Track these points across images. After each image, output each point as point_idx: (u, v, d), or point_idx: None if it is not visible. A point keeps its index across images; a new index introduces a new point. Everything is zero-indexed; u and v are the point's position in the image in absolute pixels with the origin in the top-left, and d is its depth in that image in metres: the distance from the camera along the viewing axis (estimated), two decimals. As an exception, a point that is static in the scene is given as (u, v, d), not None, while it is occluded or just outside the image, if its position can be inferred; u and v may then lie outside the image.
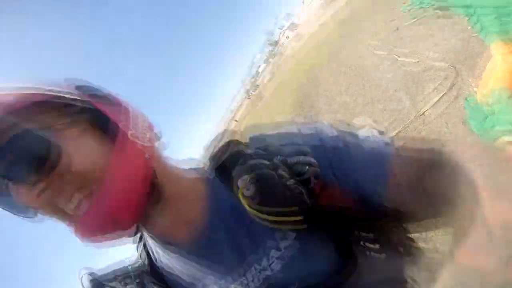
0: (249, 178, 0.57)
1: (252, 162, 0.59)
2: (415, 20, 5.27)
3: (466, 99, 2.60)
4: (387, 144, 0.59)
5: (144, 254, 0.66)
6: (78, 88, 0.54)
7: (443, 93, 3.09)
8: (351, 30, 8.53)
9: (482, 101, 2.24)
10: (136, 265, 0.66)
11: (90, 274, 0.62)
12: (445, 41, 4.01)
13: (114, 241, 0.56)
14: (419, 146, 0.61)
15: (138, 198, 0.53)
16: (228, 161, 0.62)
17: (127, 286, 0.63)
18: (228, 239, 0.60)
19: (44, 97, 0.51)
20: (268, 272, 0.59)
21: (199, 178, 0.64)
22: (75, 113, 0.52)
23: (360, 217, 0.59)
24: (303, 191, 0.56)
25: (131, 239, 0.63)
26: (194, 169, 0.66)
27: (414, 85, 3.72)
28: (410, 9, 5.55)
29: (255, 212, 0.56)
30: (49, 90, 0.52)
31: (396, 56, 4.64)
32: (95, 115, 0.53)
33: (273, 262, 0.59)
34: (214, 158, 0.64)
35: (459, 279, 0.38)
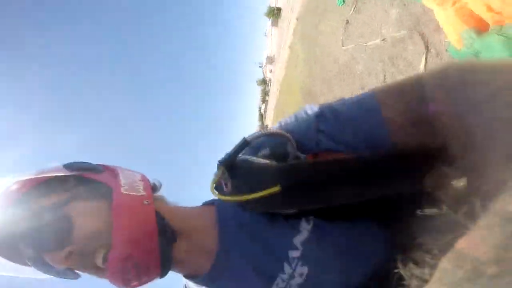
0: (221, 175, 0.56)
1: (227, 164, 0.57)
2: (354, 8, 5.43)
3: (446, 50, 2.60)
4: (370, 91, 0.55)
5: None
6: (66, 167, 0.59)
7: (424, 54, 3.04)
8: (314, 39, 8.76)
9: (460, 46, 2.23)
10: None
11: None
12: (387, 13, 4.06)
13: (148, 284, 0.58)
14: (401, 82, 0.56)
15: (149, 239, 0.55)
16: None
17: None
18: (244, 256, 0.58)
19: (43, 180, 0.58)
20: (299, 280, 0.54)
21: (207, 207, 0.65)
22: (72, 187, 0.58)
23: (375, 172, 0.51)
24: (280, 165, 0.52)
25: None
26: (203, 203, 0.68)
27: (395, 61, 3.70)
28: (343, 1, 5.77)
29: (231, 198, 0.54)
30: (43, 174, 0.58)
31: (363, 44, 4.73)
32: (89, 183, 0.59)
33: (296, 265, 0.54)
34: None
35: (454, 265, 0.35)
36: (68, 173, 0.59)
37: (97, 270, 0.56)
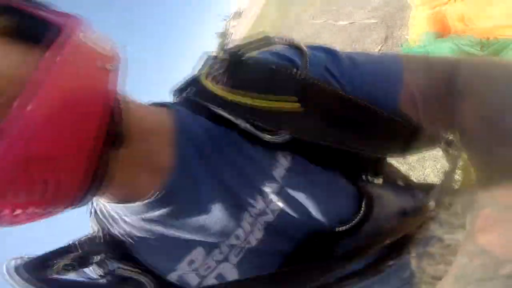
0: (218, 64, 0.42)
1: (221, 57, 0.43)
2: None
3: (401, 45, 2.70)
4: (395, 53, 0.48)
5: (97, 226, 0.46)
6: None
7: (380, 45, 3.15)
8: (287, 6, 8.46)
9: (414, 45, 2.32)
10: (84, 239, 0.45)
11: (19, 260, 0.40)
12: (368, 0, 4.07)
13: (45, 216, 0.33)
14: (431, 58, 0.50)
15: (94, 130, 0.32)
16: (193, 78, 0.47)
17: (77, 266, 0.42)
18: (206, 178, 0.42)
19: None
20: (269, 217, 0.43)
21: (163, 109, 0.45)
22: None
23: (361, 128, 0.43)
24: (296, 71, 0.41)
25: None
26: (155, 103, 0.48)
27: (355, 44, 3.73)
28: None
29: (233, 97, 0.40)
30: None
31: (333, 22, 4.67)
32: (18, 18, 0.33)
33: (271, 200, 0.42)
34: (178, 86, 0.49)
35: (476, 264, 0.30)
36: None
37: None
